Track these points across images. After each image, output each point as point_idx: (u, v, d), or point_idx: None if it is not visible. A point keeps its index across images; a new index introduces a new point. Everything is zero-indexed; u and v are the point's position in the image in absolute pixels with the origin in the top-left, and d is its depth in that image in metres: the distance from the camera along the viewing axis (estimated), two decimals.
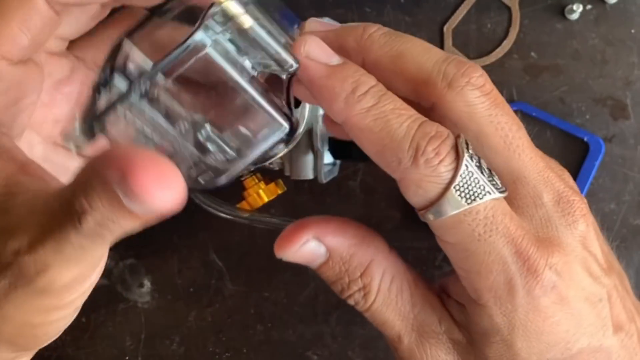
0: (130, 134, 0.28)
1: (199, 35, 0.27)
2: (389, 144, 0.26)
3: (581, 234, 0.28)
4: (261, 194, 0.38)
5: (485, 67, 0.42)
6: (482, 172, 0.26)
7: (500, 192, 0.27)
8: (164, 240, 0.45)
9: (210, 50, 0.27)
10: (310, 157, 0.38)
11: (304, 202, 0.43)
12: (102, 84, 0.28)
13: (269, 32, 0.27)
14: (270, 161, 0.36)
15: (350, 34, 0.29)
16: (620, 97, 0.42)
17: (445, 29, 0.43)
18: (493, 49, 0.42)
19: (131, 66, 0.29)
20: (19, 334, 0.27)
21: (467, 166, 0.26)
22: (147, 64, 0.29)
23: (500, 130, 0.28)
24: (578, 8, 0.41)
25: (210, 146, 0.29)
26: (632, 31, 0.42)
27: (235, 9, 0.27)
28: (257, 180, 0.38)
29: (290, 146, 0.35)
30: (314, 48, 0.28)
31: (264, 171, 0.38)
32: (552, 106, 0.42)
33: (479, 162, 0.26)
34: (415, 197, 0.27)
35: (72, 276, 0.26)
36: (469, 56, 0.43)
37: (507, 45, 0.42)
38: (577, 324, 0.27)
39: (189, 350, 0.45)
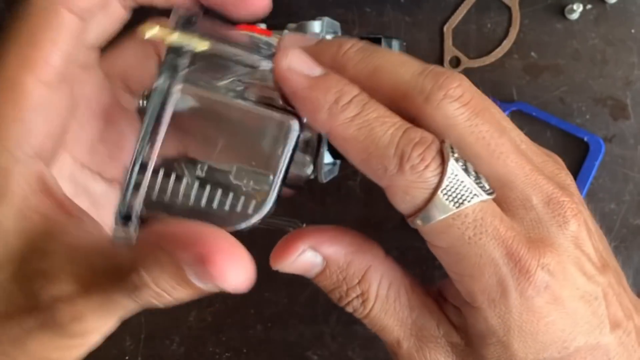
0: (167, 205, 0.28)
1: (161, 81, 0.25)
2: (374, 151, 0.26)
3: (573, 234, 0.28)
4: None
5: (485, 67, 0.42)
6: (468, 175, 0.26)
7: (488, 194, 0.27)
8: None
9: (183, 87, 0.26)
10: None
11: (303, 202, 0.43)
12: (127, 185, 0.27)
13: (233, 44, 0.27)
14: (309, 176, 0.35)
15: (326, 52, 0.29)
16: (620, 97, 0.42)
17: (445, 29, 0.43)
18: (493, 49, 0.42)
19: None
20: None
21: (452, 170, 0.26)
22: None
23: (482, 139, 0.28)
24: (578, 8, 0.41)
25: (234, 179, 0.28)
26: (632, 31, 0.42)
27: (182, 38, 0.25)
28: None
29: (320, 160, 0.35)
30: (296, 60, 0.27)
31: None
32: (552, 106, 0.42)
33: (465, 166, 0.26)
34: (403, 203, 0.27)
35: (105, 326, 0.27)
36: (469, 56, 0.43)
37: (507, 45, 0.42)
38: (572, 323, 0.27)
39: (189, 350, 0.45)
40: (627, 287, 0.31)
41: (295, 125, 0.27)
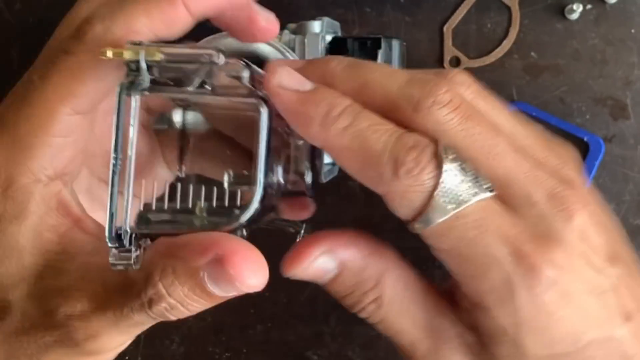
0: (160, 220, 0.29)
1: (123, 96, 0.25)
2: (369, 160, 0.26)
3: (578, 228, 0.27)
4: None
5: (485, 67, 0.42)
6: (466, 175, 0.26)
7: (489, 192, 0.26)
8: None
9: (146, 94, 0.26)
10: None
11: None
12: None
13: (186, 46, 0.26)
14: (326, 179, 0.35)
15: (314, 71, 0.28)
16: (620, 97, 0.42)
17: (445, 29, 0.43)
18: (493, 49, 0.42)
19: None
20: None
21: (449, 171, 0.26)
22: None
23: (475, 142, 0.27)
24: (578, 8, 0.41)
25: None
26: (632, 31, 0.42)
27: (135, 52, 0.25)
28: None
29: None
30: (285, 76, 0.27)
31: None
32: (552, 106, 0.42)
33: (462, 166, 0.26)
34: (402, 209, 0.26)
35: (120, 343, 0.28)
36: (469, 56, 0.43)
37: (507, 45, 0.42)
38: (583, 317, 0.27)
39: (189, 350, 0.45)
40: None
41: (261, 106, 0.27)
